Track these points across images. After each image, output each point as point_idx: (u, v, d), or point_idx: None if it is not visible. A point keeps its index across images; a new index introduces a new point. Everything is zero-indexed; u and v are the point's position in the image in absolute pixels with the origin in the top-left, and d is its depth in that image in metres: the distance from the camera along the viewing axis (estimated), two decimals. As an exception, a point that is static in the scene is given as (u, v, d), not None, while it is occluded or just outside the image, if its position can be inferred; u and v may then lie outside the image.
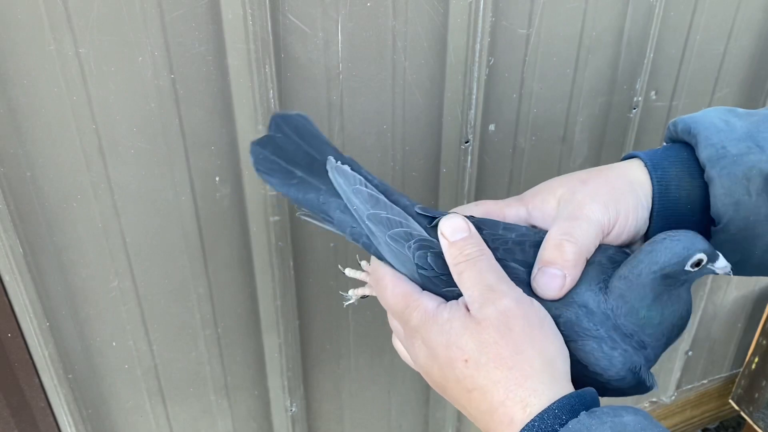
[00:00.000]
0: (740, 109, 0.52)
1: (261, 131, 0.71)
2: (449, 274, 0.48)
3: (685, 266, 0.45)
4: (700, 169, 0.50)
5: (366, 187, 0.49)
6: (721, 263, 0.46)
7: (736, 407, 1.52)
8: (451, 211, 0.52)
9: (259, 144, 0.49)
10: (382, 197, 0.49)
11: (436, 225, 0.49)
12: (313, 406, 1.02)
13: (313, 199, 0.49)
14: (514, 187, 0.95)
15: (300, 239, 0.84)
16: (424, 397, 1.12)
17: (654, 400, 1.50)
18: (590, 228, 0.47)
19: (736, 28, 0.99)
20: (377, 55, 0.74)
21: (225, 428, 0.96)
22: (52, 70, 0.62)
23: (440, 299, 0.47)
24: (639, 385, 0.47)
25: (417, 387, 1.10)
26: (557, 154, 0.96)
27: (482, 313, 0.43)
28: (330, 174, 0.49)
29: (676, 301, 0.46)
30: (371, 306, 0.96)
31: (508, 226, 0.50)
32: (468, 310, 0.45)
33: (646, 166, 0.51)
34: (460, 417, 1.19)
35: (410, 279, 0.50)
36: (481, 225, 0.49)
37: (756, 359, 1.43)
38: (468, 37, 0.77)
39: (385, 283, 0.49)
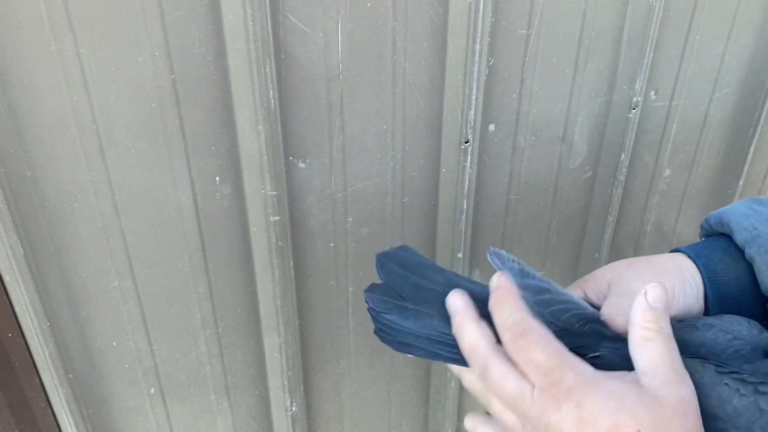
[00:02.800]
0: (763, 197, 0.58)
1: (261, 131, 0.72)
2: (584, 339, 0.49)
3: None
4: (741, 254, 0.54)
5: (518, 264, 0.53)
6: None
7: (736, 407, 1.52)
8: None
9: (370, 291, 0.54)
10: (530, 270, 0.52)
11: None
12: (313, 405, 1.02)
13: (428, 324, 0.52)
14: (514, 187, 0.95)
15: (300, 239, 0.84)
16: (424, 397, 1.12)
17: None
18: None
19: (735, 28, 0.99)
20: (377, 55, 0.74)
21: (225, 428, 0.96)
22: (52, 70, 0.62)
23: (592, 365, 0.47)
24: None
25: (417, 387, 1.10)
26: (557, 154, 0.96)
27: (662, 392, 0.43)
28: (488, 258, 0.54)
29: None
30: (371, 306, 0.96)
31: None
32: (636, 381, 0.45)
33: (689, 257, 0.55)
34: (459, 417, 1.19)
35: None
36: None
37: (756, 359, 1.43)
38: (468, 38, 0.77)
39: (535, 336, 0.46)
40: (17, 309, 0.72)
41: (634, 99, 0.97)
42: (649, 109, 1.00)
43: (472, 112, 0.83)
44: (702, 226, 0.60)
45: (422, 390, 1.11)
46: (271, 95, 0.70)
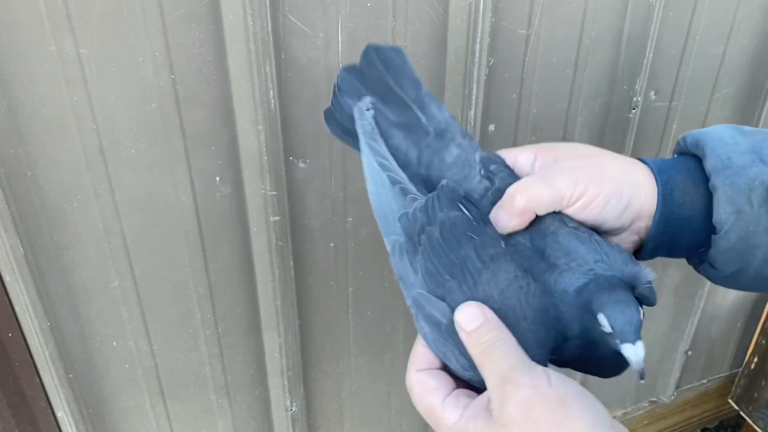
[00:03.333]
0: (746, 128, 0.55)
1: (261, 131, 0.72)
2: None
3: (596, 314, 0.44)
4: (705, 180, 0.53)
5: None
6: (628, 350, 0.44)
7: (736, 407, 1.52)
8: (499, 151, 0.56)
9: (346, 70, 0.55)
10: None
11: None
12: (313, 405, 1.02)
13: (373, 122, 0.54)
14: (514, 187, 0.95)
15: (300, 239, 0.84)
16: (423, 397, 1.13)
17: (653, 399, 1.50)
18: (547, 193, 0.51)
19: (735, 28, 0.99)
20: (377, 56, 0.74)
21: (225, 428, 0.96)
22: (52, 70, 0.62)
23: (462, 407, 0.47)
24: None
25: (417, 387, 1.10)
26: (557, 154, 0.96)
27: (504, 415, 0.42)
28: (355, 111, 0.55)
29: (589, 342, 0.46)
30: (371, 306, 0.96)
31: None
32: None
33: (652, 171, 0.54)
34: (459, 417, 1.19)
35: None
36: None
37: (755, 359, 1.43)
38: (468, 38, 0.77)
39: (413, 395, 0.51)
40: (17, 309, 0.72)
41: (634, 99, 0.97)
42: (649, 109, 1.00)
43: (472, 112, 0.83)
44: (678, 143, 0.58)
45: (422, 390, 1.11)
46: (271, 95, 0.70)
